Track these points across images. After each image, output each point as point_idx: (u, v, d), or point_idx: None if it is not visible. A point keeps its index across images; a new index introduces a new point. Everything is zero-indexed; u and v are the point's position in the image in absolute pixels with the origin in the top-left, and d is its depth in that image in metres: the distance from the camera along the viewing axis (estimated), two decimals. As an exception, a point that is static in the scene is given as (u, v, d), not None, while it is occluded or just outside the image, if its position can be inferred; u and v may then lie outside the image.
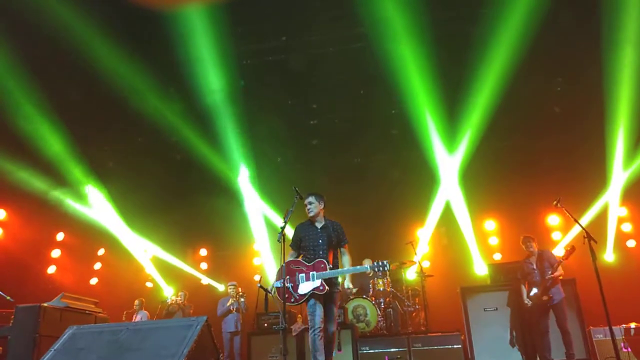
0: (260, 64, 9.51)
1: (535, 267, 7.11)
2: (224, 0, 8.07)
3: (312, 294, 5.09)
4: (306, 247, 5.37)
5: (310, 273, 5.18)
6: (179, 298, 9.81)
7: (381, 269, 5.24)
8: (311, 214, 5.40)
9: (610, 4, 7.98)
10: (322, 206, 5.47)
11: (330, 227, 5.39)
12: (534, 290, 7.01)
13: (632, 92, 8.83)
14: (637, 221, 10.09)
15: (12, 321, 5.89)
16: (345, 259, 5.41)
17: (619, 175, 9.63)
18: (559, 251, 10.09)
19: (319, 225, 5.41)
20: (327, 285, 5.14)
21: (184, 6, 8.23)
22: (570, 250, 6.66)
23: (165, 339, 4.14)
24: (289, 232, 6.02)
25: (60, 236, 11.00)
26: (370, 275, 8.81)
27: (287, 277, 5.23)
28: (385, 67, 8.89)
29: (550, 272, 6.91)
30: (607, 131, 9.40)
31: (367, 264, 8.86)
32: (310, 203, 5.40)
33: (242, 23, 8.76)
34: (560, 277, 7.02)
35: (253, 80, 9.54)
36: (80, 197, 10.46)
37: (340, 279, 5.51)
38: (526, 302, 7.09)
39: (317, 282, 5.11)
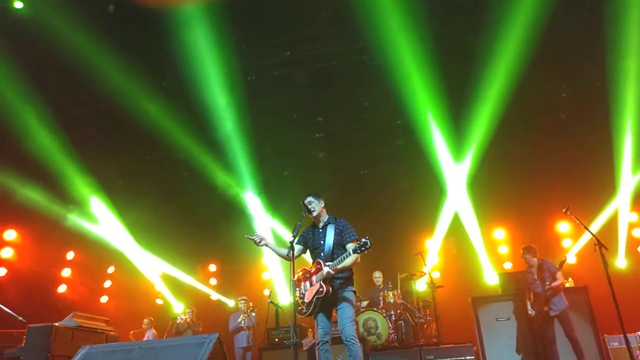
0: (265, 79, 9.57)
1: (536, 277, 7.08)
2: (228, 17, 8.15)
3: (317, 299, 4.88)
4: (312, 250, 5.27)
5: (312, 278, 5.02)
6: (187, 316, 9.78)
7: (363, 248, 4.70)
8: (314, 213, 5.19)
9: (614, 10, 7.98)
10: (323, 204, 5.27)
11: (333, 225, 5.15)
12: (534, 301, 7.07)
13: (637, 94, 8.79)
14: (648, 226, 10.01)
15: (24, 341, 5.88)
16: (351, 258, 4.90)
17: (628, 181, 9.57)
18: (570, 259, 10.04)
19: (320, 225, 5.24)
20: (330, 286, 4.87)
21: (189, 24, 8.32)
22: (563, 261, 6.94)
23: (178, 358, 4.13)
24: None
25: (70, 255, 11.03)
26: (381, 287, 8.79)
27: (297, 289, 5.12)
28: (390, 79, 8.92)
29: (548, 283, 6.90)
30: (614, 136, 9.35)
31: (376, 275, 8.97)
32: (310, 203, 5.21)
33: (246, 40, 8.83)
34: (562, 286, 6.98)
35: (258, 95, 9.59)
36: (90, 215, 10.51)
37: (345, 274, 5.03)
38: (530, 312, 7.08)
39: (317, 285, 4.90)
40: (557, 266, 6.97)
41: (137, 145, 10.55)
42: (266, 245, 5.19)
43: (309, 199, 5.25)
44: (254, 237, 5.20)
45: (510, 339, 7.34)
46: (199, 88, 9.16)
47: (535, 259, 7.19)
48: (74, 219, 10.25)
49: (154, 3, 7.87)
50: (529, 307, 7.14)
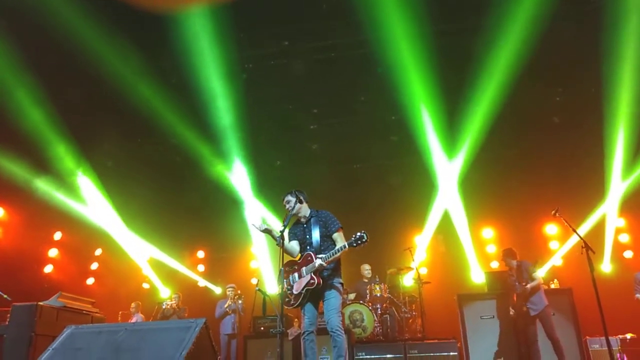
0: (261, 69, 9.52)
1: (515, 278, 7.18)
2: (227, 5, 8.08)
3: (307, 291, 4.89)
4: (300, 245, 5.27)
5: (301, 269, 5.01)
6: (174, 301, 9.78)
7: (360, 242, 4.73)
8: (293, 212, 5.15)
9: (612, 16, 8.02)
10: (303, 201, 5.23)
11: (315, 218, 5.18)
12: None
13: (631, 102, 8.86)
14: (634, 232, 10.13)
15: (8, 320, 5.86)
16: (341, 250, 4.89)
17: (617, 186, 9.67)
18: (556, 260, 10.15)
19: (303, 220, 5.26)
20: (320, 277, 4.88)
21: (187, 10, 8.24)
22: (536, 261, 7.24)
23: (164, 341, 4.13)
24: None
25: (57, 235, 10.96)
26: (368, 280, 8.83)
27: (285, 280, 5.09)
28: (386, 74, 8.92)
29: (522, 284, 6.98)
30: (606, 142, 9.44)
31: (366, 268, 9.00)
32: (287, 202, 5.24)
33: (244, 28, 8.77)
34: (539, 286, 7.03)
35: (254, 84, 9.55)
36: (79, 196, 10.43)
37: (332, 264, 5.02)
38: (510, 312, 7.18)
39: (308, 277, 4.90)
40: (534, 266, 7.07)
41: (130, 128, 10.45)
42: (269, 232, 5.02)
43: (287, 197, 5.26)
44: (257, 225, 5.07)
45: (494, 337, 7.43)
46: (195, 74, 9.09)
47: (514, 261, 7.29)
48: (63, 199, 10.17)
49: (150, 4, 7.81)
50: (510, 308, 7.26)
